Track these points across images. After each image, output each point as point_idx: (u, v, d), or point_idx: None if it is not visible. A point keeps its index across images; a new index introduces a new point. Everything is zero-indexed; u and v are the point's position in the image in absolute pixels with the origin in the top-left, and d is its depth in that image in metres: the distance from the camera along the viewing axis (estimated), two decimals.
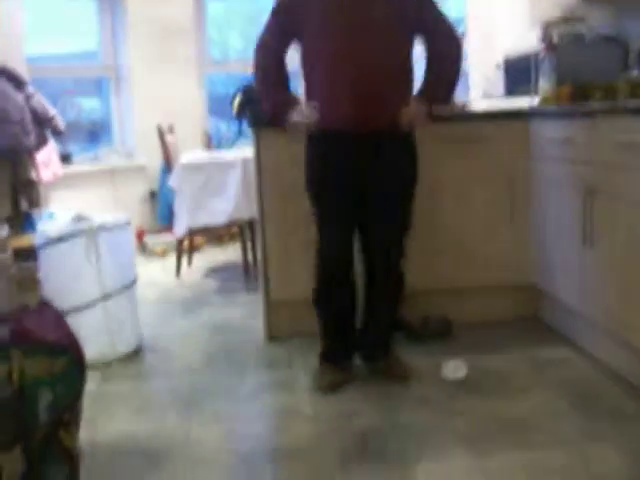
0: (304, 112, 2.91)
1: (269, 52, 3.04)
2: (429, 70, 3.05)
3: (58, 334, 2.08)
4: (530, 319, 3.82)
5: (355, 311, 3.19)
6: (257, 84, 3.13)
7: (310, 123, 2.90)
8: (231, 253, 6.16)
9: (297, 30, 2.97)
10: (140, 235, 6.46)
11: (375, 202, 3.01)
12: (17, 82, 4.92)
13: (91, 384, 3.20)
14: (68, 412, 2.13)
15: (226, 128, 6.81)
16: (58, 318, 2.15)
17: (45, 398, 2.03)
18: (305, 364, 3.34)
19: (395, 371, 3.17)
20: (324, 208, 3.04)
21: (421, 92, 3.02)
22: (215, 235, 6.32)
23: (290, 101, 2.98)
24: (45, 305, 2.19)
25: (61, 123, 5.28)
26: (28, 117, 4.92)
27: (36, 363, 2.00)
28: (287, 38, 3.02)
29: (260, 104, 3.17)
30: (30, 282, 3.96)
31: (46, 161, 5.30)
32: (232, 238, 6.47)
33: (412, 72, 3.03)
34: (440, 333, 3.60)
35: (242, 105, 3.80)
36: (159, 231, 6.54)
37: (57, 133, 5.33)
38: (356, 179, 2.96)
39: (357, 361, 3.23)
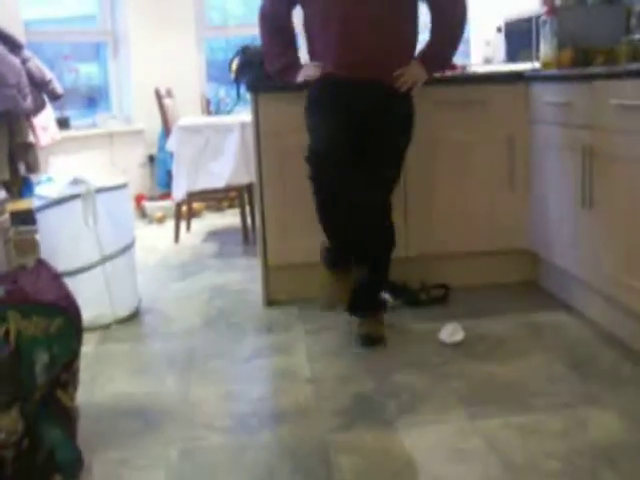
0: (309, 72, 3.06)
1: (273, 17, 3.16)
2: (432, 31, 3.12)
3: (54, 294, 2.08)
4: (528, 284, 3.83)
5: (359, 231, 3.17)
6: (264, 48, 3.24)
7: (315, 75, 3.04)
8: (230, 218, 6.16)
9: None
10: (139, 200, 6.45)
11: (371, 148, 3.06)
12: (13, 45, 4.87)
13: (90, 346, 3.23)
14: (65, 372, 2.15)
15: (225, 94, 6.76)
16: (54, 278, 2.15)
17: (42, 358, 2.03)
18: (303, 327, 3.35)
19: (365, 330, 3.15)
20: (318, 123, 3.06)
21: (422, 53, 3.06)
22: (214, 200, 6.31)
23: (297, 64, 3.14)
24: (41, 266, 2.18)
25: (58, 87, 5.24)
26: (25, 80, 4.87)
27: (32, 323, 2.01)
28: (289, 2, 3.14)
29: (264, 66, 3.27)
30: (28, 245, 3.97)
31: (44, 125, 5.26)
32: (231, 203, 6.46)
33: (415, 33, 3.09)
34: (438, 298, 3.60)
35: (240, 68, 3.76)
36: (158, 197, 6.53)
37: (54, 97, 5.28)
38: (352, 118, 3.00)
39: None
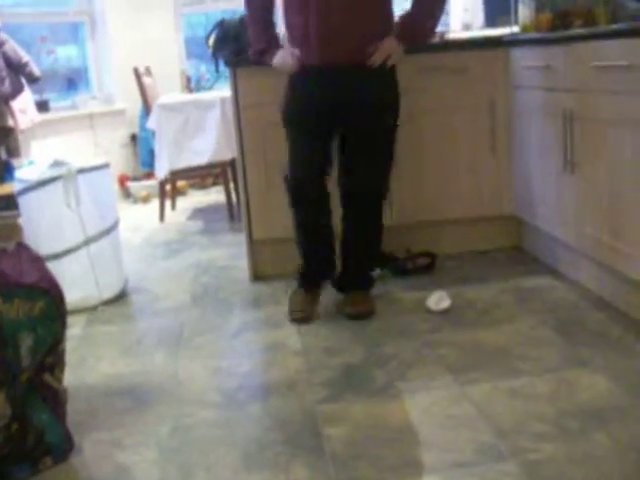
0: (284, 58, 3.03)
1: (255, 3, 3.14)
2: (412, 3, 3.06)
3: (36, 276, 2.06)
4: (513, 249, 3.84)
5: (332, 237, 3.22)
6: (249, 31, 3.23)
7: (291, 67, 3.01)
8: (215, 195, 6.15)
9: None
10: (123, 180, 6.42)
11: (353, 135, 3.06)
12: None
13: (77, 328, 3.23)
14: (51, 354, 2.14)
15: (206, 70, 6.71)
16: (35, 260, 2.13)
17: (26, 341, 2.02)
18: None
19: (354, 309, 3.14)
20: (294, 128, 3.09)
21: (399, 26, 3.02)
22: (198, 177, 6.29)
23: (273, 47, 3.11)
24: (21, 248, 2.16)
25: (36, 69, 5.20)
26: (1, 64, 4.83)
27: (15, 306, 1.99)
28: None
29: (240, 36, 3.22)
30: (11, 230, 3.93)
31: (23, 108, 5.21)
32: (215, 180, 6.44)
33: (389, 8, 3.05)
34: (424, 266, 3.60)
35: (217, 42, 3.73)
36: (142, 176, 6.50)
37: (32, 80, 5.24)
38: (329, 109, 3.00)
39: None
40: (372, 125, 3.03)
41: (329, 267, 3.25)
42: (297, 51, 3.00)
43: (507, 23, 4.13)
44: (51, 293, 2.09)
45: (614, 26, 3.00)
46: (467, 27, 4.64)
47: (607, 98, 2.80)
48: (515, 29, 3.92)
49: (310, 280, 3.25)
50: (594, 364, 2.52)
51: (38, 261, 2.16)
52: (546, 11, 3.71)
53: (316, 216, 3.16)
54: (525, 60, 3.45)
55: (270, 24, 3.19)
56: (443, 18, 5.31)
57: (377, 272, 3.46)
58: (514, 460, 1.99)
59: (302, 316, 3.12)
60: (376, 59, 2.97)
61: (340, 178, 3.14)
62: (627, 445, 2.02)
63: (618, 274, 2.89)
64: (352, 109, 3.00)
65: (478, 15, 4.56)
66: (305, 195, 3.10)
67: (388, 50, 2.98)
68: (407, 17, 3.07)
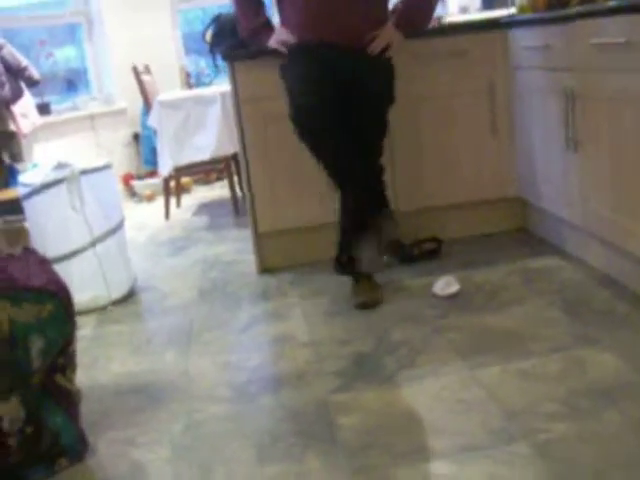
0: (282, 37, 3.06)
1: None
2: None
3: (43, 279, 2.07)
4: (519, 231, 3.84)
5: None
6: (236, 15, 3.25)
7: (291, 39, 3.05)
8: (220, 190, 6.15)
9: None
10: (127, 180, 6.43)
11: (349, 115, 3.06)
12: None
13: (88, 328, 3.25)
14: (62, 356, 2.15)
15: (205, 66, 6.71)
16: (42, 263, 2.14)
17: (37, 344, 2.04)
18: (298, 293, 3.36)
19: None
20: (296, 78, 3.06)
21: (397, 15, 3.02)
22: (202, 173, 6.29)
23: (269, 27, 3.15)
24: (28, 252, 2.18)
25: (35, 73, 5.21)
26: (0, 69, 4.84)
27: (24, 310, 2.00)
28: None
29: (237, 33, 3.30)
30: (18, 234, 3.96)
31: (24, 112, 5.23)
32: (219, 176, 6.45)
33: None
34: (431, 252, 3.61)
35: (214, 37, 3.72)
36: (146, 175, 6.51)
37: (32, 84, 5.25)
38: (329, 76, 3.00)
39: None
40: (372, 105, 3.09)
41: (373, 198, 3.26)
42: (291, 35, 3.03)
43: (504, 4, 4.11)
44: (59, 295, 2.10)
45: (611, 3, 2.98)
46: (464, 10, 4.63)
47: (607, 75, 2.79)
48: (512, 10, 3.90)
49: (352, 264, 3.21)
50: (603, 342, 2.52)
51: (45, 264, 2.17)
52: None
53: (329, 135, 3.04)
54: (524, 41, 3.44)
55: (260, 7, 3.20)
56: (440, 2, 5.30)
57: (385, 259, 3.47)
58: (525, 441, 1.99)
59: (369, 300, 3.10)
60: (376, 46, 2.97)
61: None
62: (638, 422, 2.02)
63: (623, 251, 2.89)
64: (352, 88, 3.02)
65: None
66: (313, 117, 3.00)
67: (387, 37, 2.98)
68: (404, 4, 3.07)
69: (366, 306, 3.07)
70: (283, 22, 3.13)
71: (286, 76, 3.09)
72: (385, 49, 3.02)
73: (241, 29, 3.24)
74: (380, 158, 3.26)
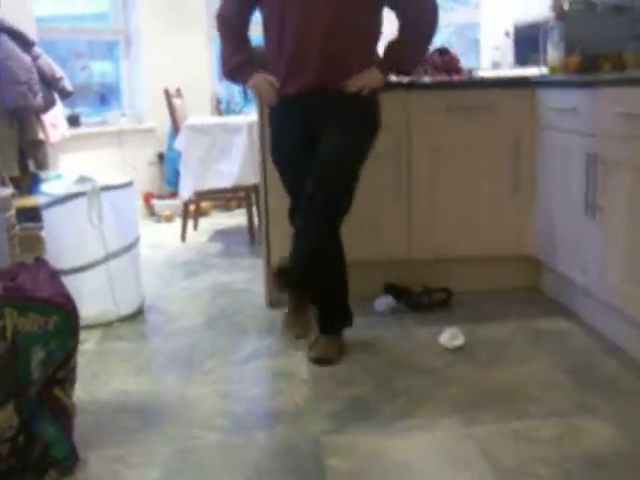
0: (261, 85, 2.97)
1: (226, 19, 3.06)
2: (398, 38, 3.00)
3: (52, 291, 2.09)
4: (530, 290, 3.83)
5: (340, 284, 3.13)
6: (221, 49, 3.14)
7: (271, 99, 2.98)
8: (238, 218, 6.18)
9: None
10: (148, 198, 6.48)
11: (319, 157, 2.87)
12: (24, 42, 4.89)
13: (92, 343, 3.26)
14: (62, 369, 2.16)
15: (237, 93, 6.77)
16: (52, 276, 2.16)
17: (38, 355, 2.05)
18: None
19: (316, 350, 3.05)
20: (283, 177, 3.09)
21: (384, 59, 2.98)
22: (222, 200, 6.34)
23: (248, 65, 3.02)
24: (40, 262, 2.20)
25: (68, 85, 5.27)
26: (35, 78, 4.90)
27: (29, 320, 2.02)
28: (246, 5, 3.05)
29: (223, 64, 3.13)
30: (33, 242, 3.99)
31: (54, 122, 5.29)
32: (239, 203, 6.48)
33: (375, 37, 2.98)
34: (440, 302, 3.60)
35: None
36: (167, 195, 6.56)
37: (64, 95, 5.31)
38: (306, 147, 2.92)
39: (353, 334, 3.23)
40: (340, 153, 2.85)
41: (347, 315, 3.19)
42: (275, 81, 2.93)
43: (536, 63, 4.15)
44: (66, 308, 2.12)
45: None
46: (496, 65, 4.68)
47: (631, 144, 2.80)
48: (544, 70, 3.94)
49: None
50: (602, 412, 2.50)
51: (55, 276, 2.19)
52: (575, 53, 3.73)
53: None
54: (552, 101, 3.46)
55: (245, 40, 3.08)
56: (474, 55, 5.36)
57: (390, 302, 3.47)
58: None
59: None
60: (351, 86, 2.86)
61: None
62: None
63: (634, 322, 2.87)
64: (325, 123, 2.88)
65: (508, 54, 4.59)
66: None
67: (366, 79, 2.88)
68: (392, 51, 2.99)
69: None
70: (269, 60, 3.01)
71: (270, 134, 3.12)
72: (361, 90, 2.88)
73: (222, 65, 3.11)
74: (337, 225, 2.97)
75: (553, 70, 3.75)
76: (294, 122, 2.96)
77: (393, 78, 3.29)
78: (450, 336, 3.12)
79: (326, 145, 2.86)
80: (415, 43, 3.01)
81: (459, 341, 3.10)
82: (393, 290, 3.60)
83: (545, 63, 3.96)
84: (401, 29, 3.00)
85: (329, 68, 2.84)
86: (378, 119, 3.00)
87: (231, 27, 3.06)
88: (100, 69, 6.90)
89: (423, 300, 3.59)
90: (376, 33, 2.98)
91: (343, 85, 2.87)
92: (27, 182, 5.05)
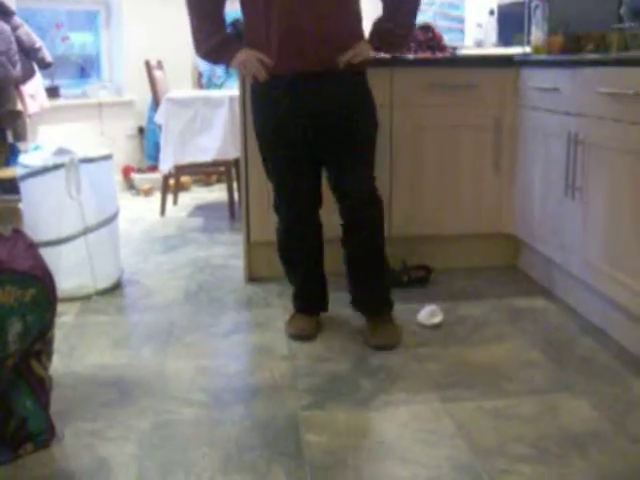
0: (249, 62, 2.80)
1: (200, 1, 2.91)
2: (383, 14, 2.92)
3: (29, 264, 2.07)
4: (509, 268, 3.85)
5: (321, 263, 3.12)
6: (192, 31, 2.93)
7: (261, 76, 2.80)
8: (218, 193, 6.16)
9: None
10: (127, 172, 6.44)
11: (327, 149, 2.87)
12: (4, 12, 4.83)
13: (70, 316, 3.25)
14: (39, 342, 2.14)
15: (220, 68, 6.72)
16: (29, 248, 2.14)
17: (15, 327, 2.03)
18: (283, 305, 3.35)
19: (380, 337, 2.95)
20: (273, 159, 2.94)
21: (371, 35, 2.90)
22: (202, 174, 6.31)
23: (232, 43, 2.87)
24: (17, 234, 2.18)
25: (47, 55, 5.20)
26: (14, 48, 4.83)
27: (6, 292, 2.00)
28: None
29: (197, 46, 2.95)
30: (12, 213, 3.96)
31: (33, 93, 5.23)
32: (220, 178, 6.45)
33: (360, 16, 2.89)
34: (419, 279, 3.61)
35: None
36: (147, 169, 6.52)
37: (44, 65, 5.24)
38: (303, 121, 2.82)
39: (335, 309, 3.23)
40: (348, 135, 2.83)
41: (325, 300, 3.17)
42: (265, 57, 2.77)
43: (520, 42, 4.14)
44: (43, 281, 2.10)
45: (623, 54, 3.01)
46: (479, 44, 4.66)
47: (612, 125, 2.80)
48: (527, 49, 3.93)
49: (303, 308, 3.15)
50: (579, 389, 2.52)
51: (32, 249, 2.17)
52: (559, 33, 3.73)
53: (310, 249, 3.07)
54: (534, 81, 3.46)
55: (221, 19, 2.91)
56: (457, 34, 5.34)
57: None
58: None
59: (302, 334, 3.02)
60: (345, 58, 2.77)
61: (335, 194, 2.94)
62: (605, 472, 2.03)
63: (612, 302, 2.90)
64: (327, 118, 2.81)
65: (491, 33, 4.58)
66: (298, 227, 3.02)
67: (358, 51, 2.80)
68: (378, 23, 2.91)
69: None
70: (248, 40, 2.86)
71: (254, 109, 2.98)
72: (353, 60, 2.80)
73: (197, 46, 2.92)
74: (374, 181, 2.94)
75: (536, 49, 3.75)
76: (290, 103, 2.80)
77: (380, 55, 3.24)
78: (429, 314, 3.13)
79: (342, 168, 2.85)
80: (400, 18, 2.92)
81: (437, 319, 3.11)
82: None
83: (528, 42, 3.95)
84: (385, 6, 2.92)
85: (326, 50, 2.75)
86: (374, 101, 2.94)
87: (204, 9, 2.89)
88: (80, 40, 6.82)
89: (402, 278, 3.59)
90: (360, 12, 2.90)
91: (336, 62, 2.77)
92: (5, 153, 5.00)
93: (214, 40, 2.87)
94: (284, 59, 2.75)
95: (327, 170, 2.93)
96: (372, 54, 2.91)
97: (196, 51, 2.95)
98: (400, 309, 3.26)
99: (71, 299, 3.41)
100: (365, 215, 2.92)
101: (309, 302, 3.14)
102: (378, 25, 2.91)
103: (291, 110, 2.81)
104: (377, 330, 2.97)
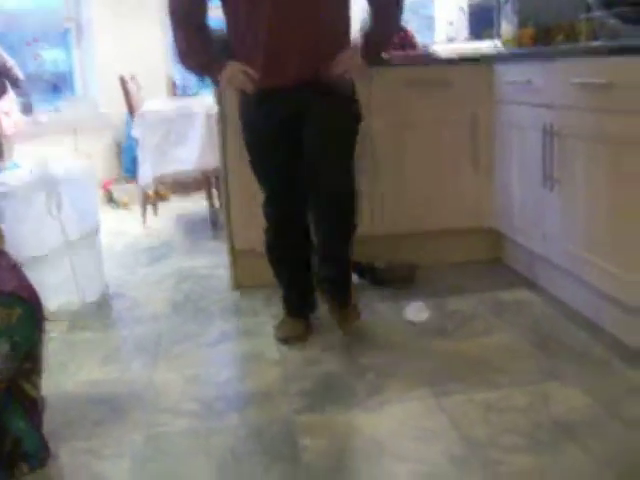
0: (236, 76, 2.77)
1: (185, 14, 2.83)
2: (372, 23, 2.88)
3: (14, 284, 2.07)
4: (493, 262, 3.87)
5: (310, 267, 3.11)
6: (178, 44, 2.88)
7: (249, 89, 2.78)
8: (199, 202, 6.14)
9: None
10: (106, 185, 6.42)
11: (311, 156, 2.82)
12: None
13: (58, 333, 3.24)
14: (28, 361, 2.14)
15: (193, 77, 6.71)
16: (14, 268, 2.13)
17: (3, 348, 2.03)
18: (270, 312, 3.35)
19: (347, 317, 3.03)
20: (260, 166, 2.96)
21: (363, 45, 2.85)
22: (181, 186, 6.28)
23: (218, 62, 2.82)
24: (1, 255, 2.17)
25: (20, 73, 5.19)
26: None
27: None
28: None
29: (224, 51, 2.90)
30: None
31: (7, 111, 5.21)
32: (198, 187, 6.43)
33: (348, 26, 2.87)
34: (404, 277, 3.62)
35: None
36: (126, 181, 6.49)
37: (16, 84, 5.23)
38: (288, 134, 2.82)
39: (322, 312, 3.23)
40: (330, 144, 2.79)
41: (313, 302, 3.19)
42: (252, 70, 2.73)
43: (490, 37, 4.17)
44: (29, 301, 2.09)
45: (594, 44, 3.04)
46: (451, 40, 4.68)
47: (586, 115, 2.83)
48: (498, 42, 3.96)
49: (293, 311, 3.16)
50: (569, 378, 2.54)
51: (16, 268, 2.16)
52: (529, 26, 3.76)
53: (298, 253, 3.08)
54: (508, 75, 3.48)
55: (208, 34, 2.87)
56: (428, 32, 5.37)
57: (354, 279, 3.47)
58: (485, 472, 2.01)
59: (291, 336, 3.04)
60: (336, 69, 2.75)
61: (310, 189, 2.88)
62: (599, 460, 2.05)
63: (595, 289, 2.92)
64: (311, 115, 2.78)
65: (462, 30, 4.60)
66: (287, 230, 3.03)
67: (348, 61, 2.77)
68: (369, 33, 2.88)
69: (285, 341, 3.01)
70: (235, 53, 2.83)
71: (243, 122, 2.95)
72: (344, 74, 2.77)
73: (182, 59, 2.88)
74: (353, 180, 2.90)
75: (507, 42, 3.77)
76: (276, 114, 2.79)
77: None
78: (415, 310, 3.15)
79: (319, 128, 2.79)
80: (387, 26, 2.91)
81: (424, 315, 3.13)
82: (357, 267, 3.60)
83: (499, 36, 3.98)
84: (374, 13, 2.87)
85: (311, 64, 2.73)
86: (360, 109, 2.90)
87: (191, 23, 2.83)
88: (52, 56, 6.80)
89: (387, 276, 3.60)
90: (349, 22, 2.87)
91: (326, 74, 2.74)
92: None
93: (204, 57, 2.85)
94: (269, 72, 2.73)
95: (306, 158, 2.85)
96: (360, 64, 2.82)
97: (181, 62, 2.92)
98: (386, 307, 3.28)
99: (58, 316, 3.39)
100: (339, 207, 2.87)
101: (298, 304, 3.15)
102: (369, 38, 2.86)
103: (279, 121, 2.80)
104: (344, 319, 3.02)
